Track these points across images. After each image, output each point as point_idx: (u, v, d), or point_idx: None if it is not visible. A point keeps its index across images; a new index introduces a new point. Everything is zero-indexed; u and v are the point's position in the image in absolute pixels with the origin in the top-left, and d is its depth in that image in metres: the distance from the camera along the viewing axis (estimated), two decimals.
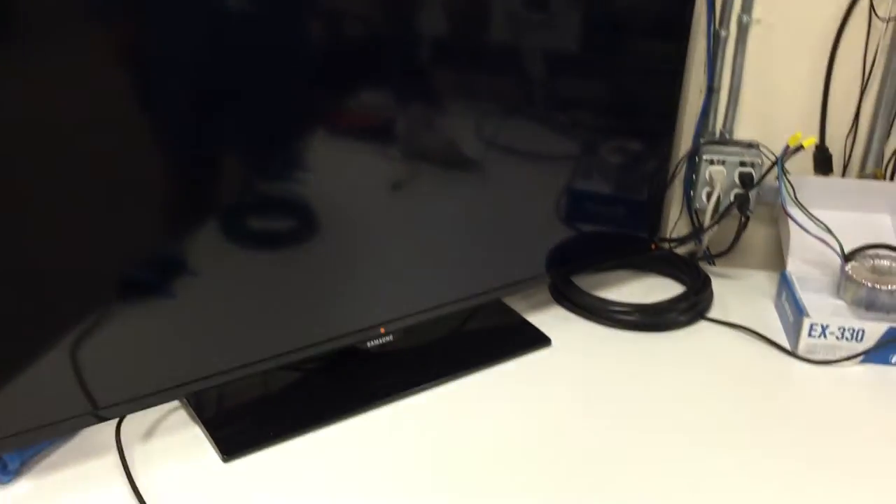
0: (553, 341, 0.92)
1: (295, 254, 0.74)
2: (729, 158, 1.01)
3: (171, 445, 0.75)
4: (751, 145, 1.02)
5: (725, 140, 1.05)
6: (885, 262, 0.95)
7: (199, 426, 0.77)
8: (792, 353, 0.91)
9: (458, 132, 0.80)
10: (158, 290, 0.68)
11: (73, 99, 0.58)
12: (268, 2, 0.65)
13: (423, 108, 0.77)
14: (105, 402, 0.68)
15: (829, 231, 0.96)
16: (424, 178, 0.80)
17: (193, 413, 0.78)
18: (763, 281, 1.07)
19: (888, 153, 1.04)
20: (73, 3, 0.57)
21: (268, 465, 0.72)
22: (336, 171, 0.73)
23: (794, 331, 0.91)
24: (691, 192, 1.06)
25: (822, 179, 1.05)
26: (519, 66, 0.82)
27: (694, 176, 1.04)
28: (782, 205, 1.00)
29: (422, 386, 0.83)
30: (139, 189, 0.64)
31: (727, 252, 1.08)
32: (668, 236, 1.11)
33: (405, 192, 0.79)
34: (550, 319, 0.97)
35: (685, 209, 1.09)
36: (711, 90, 1.03)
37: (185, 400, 0.79)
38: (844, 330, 0.88)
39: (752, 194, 1.01)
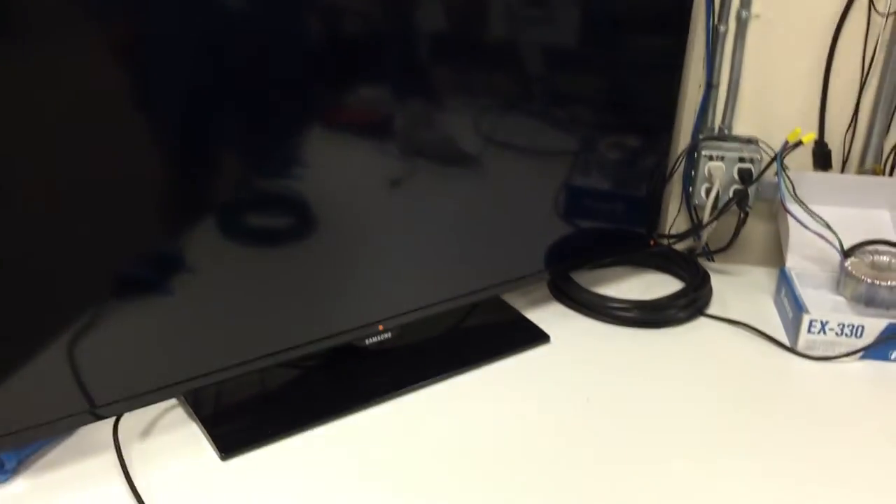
0: (552, 338, 0.92)
1: (293, 251, 0.74)
2: (728, 154, 1.00)
3: (169, 443, 0.74)
4: (750, 141, 1.02)
5: (724, 136, 1.05)
6: (885, 258, 0.95)
7: (197, 424, 0.77)
8: (791, 350, 0.91)
9: (456, 128, 0.80)
10: (156, 288, 0.68)
11: (68, 96, 0.58)
12: None
13: (422, 104, 0.77)
14: (102, 400, 0.68)
15: (829, 227, 0.96)
16: (423, 174, 0.79)
17: (191, 411, 0.78)
18: (762, 277, 1.07)
19: (887, 148, 1.04)
20: (71, 1, 0.56)
21: (266, 463, 0.72)
22: (334, 167, 0.73)
23: (793, 327, 0.91)
24: (690, 188, 1.05)
25: (821, 175, 1.05)
26: (517, 62, 0.82)
27: (693, 172, 1.04)
28: (781, 201, 1.00)
29: (420, 383, 0.83)
30: (136, 186, 0.64)
31: (726, 248, 1.08)
32: (666, 232, 1.11)
33: (403, 188, 0.79)
34: (549, 316, 0.97)
35: (684, 205, 1.09)
36: (710, 85, 1.03)
37: (182, 398, 0.79)
38: (844, 326, 0.88)
39: (752, 190, 1.01)
